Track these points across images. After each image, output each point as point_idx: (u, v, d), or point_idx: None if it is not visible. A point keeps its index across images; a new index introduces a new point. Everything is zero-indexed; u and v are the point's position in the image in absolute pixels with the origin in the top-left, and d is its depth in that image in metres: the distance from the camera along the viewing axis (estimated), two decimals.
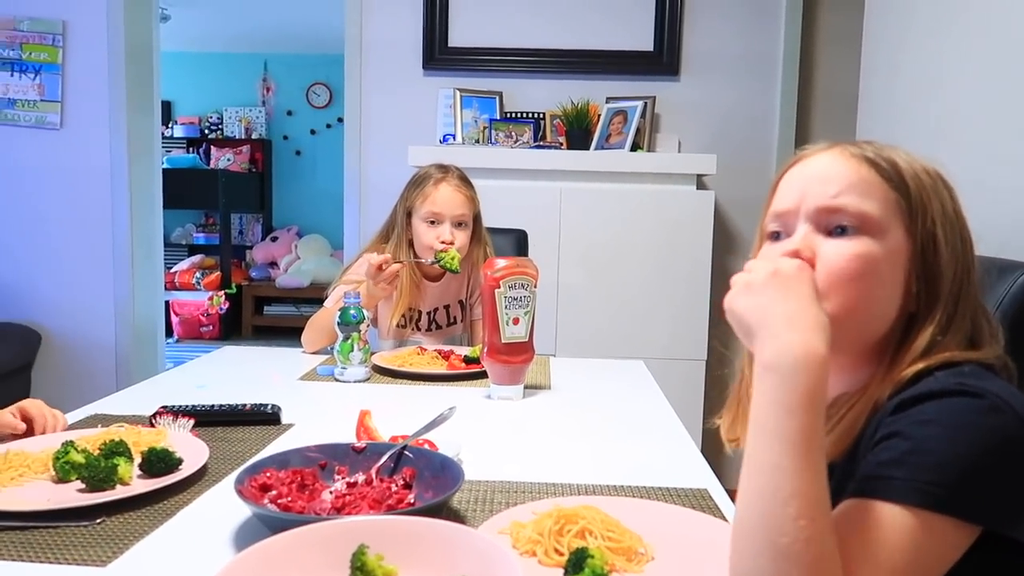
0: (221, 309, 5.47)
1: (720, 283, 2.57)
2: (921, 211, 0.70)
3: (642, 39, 3.05)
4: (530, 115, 3.04)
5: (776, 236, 0.75)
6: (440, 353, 1.68)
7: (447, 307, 1.90)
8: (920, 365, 0.67)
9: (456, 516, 0.86)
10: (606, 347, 2.66)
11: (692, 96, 3.07)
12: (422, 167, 1.87)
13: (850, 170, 0.71)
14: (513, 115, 3.05)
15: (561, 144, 2.94)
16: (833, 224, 0.71)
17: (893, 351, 0.70)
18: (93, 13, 3.05)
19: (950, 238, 0.71)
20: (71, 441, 0.95)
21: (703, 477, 1.02)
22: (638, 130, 2.87)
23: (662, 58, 3.04)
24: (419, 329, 1.88)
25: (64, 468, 0.91)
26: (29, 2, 3.05)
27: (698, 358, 2.68)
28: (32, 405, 1.13)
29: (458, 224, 1.79)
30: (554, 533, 0.75)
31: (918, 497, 0.58)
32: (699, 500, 0.93)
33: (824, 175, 0.72)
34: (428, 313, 1.88)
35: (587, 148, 2.88)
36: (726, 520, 0.85)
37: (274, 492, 0.82)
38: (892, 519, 0.59)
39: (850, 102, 2.53)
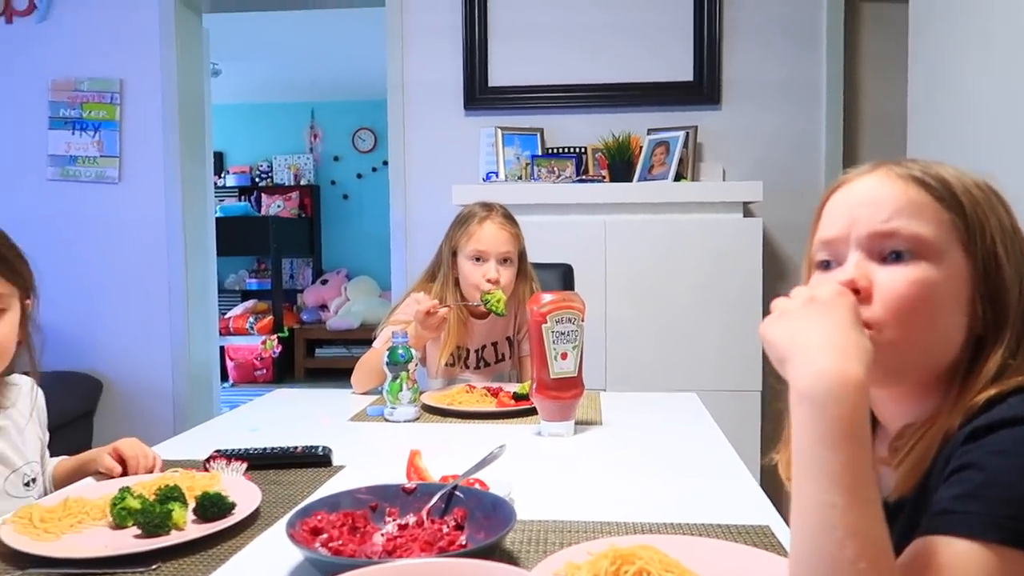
0: (274, 353, 5.55)
1: None
2: (978, 229, 0.67)
3: (681, 69, 3.05)
4: (572, 150, 3.06)
5: (826, 265, 0.73)
6: (489, 391, 1.67)
7: (495, 344, 1.90)
8: (992, 391, 0.63)
9: (509, 557, 0.84)
10: (657, 381, 2.61)
11: (735, 124, 3.04)
12: (466, 205, 1.89)
13: (898, 192, 0.68)
14: (555, 151, 3.06)
15: (604, 177, 2.94)
16: (887, 250, 0.68)
17: (962, 377, 0.67)
18: (148, 71, 3.18)
19: (1012, 253, 0.67)
20: (128, 487, 0.96)
21: (764, 513, 0.98)
22: (681, 160, 2.85)
23: (702, 87, 3.04)
24: (468, 367, 1.88)
25: (121, 514, 0.92)
26: (89, 64, 3.19)
27: (752, 389, 2.61)
28: (127, 445, 1.17)
29: (503, 261, 1.80)
30: (610, 574, 0.73)
31: (996, 532, 0.54)
32: (760, 537, 0.89)
33: (872, 199, 0.69)
34: (476, 351, 1.88)
35: (630, 180, 2.87)
36: (785, 557, 0.81)
37: (325, 535, 0.82)
38: (968, 557, 0.55)
39: (898, 122, 2.48)
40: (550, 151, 3.06)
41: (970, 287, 0.67)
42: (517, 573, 0.68)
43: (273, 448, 1.21)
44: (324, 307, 6.12)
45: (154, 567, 0.82)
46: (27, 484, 1.17)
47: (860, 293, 0.67)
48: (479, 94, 3.11)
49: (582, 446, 1.34)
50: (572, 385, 1.38)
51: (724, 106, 3.05)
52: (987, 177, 0.71)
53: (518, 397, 1.57)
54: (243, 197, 6.43)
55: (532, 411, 1.48)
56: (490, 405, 1.59)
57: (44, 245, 3.18)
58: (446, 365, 1.82)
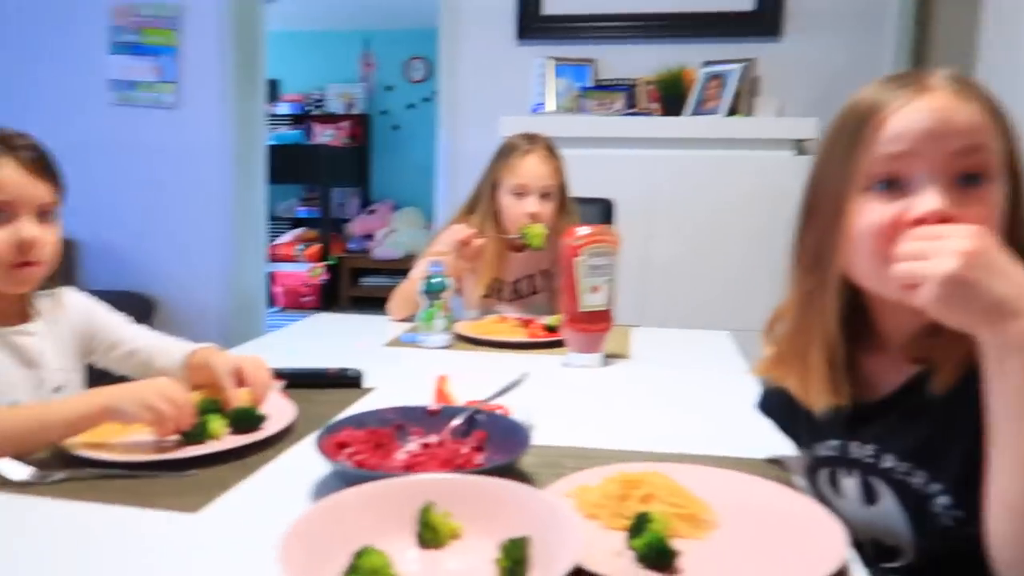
0: (321, 280, 5.68)
1: None
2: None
3: None
4: (623, 83, 2.99)
5: (887, 185, 0.73)
6: (521, 322, 1.70)
7: (531, 277, 1.91)
8: None
9: (525, 479, 0.87)
10: (698, 320, 2.58)
11: (795, 57, 2.93)
12: (508, 137, 1.88)
13: (974, 112, 0.70)
14: (606, 83, 3.00)
15: (655, 111, 2.88)
16: (965, 171, 0.69)
17: None
18: None
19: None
20: None
21: (781, 447, 0.99)
22: (737, 94, 2.77)
23: (763, 17, 2.92)
24: (503, 299, 1.90)
25: None
26: None
27: None
28: (251, 366, 1.09)
29: (544, 195, 1.79)
30: (617, 498, 0.75)
31: None
32: (774, 470, 0.90)
33: (950, 118, 0.71)
34: (512, 283, 1.89)
35: (681, 114, 2.80)
36: (797, 490, 0.82)
37: (351, 449, 0.86)
38: None
39: (968, 59, 2.35)
40: (601, 83, 3.00)
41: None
42: (527, 491, 0.71)
43: (308, 369, 1.26)
44: (370, 236, 6.19)
45: (191, 473, 0.87)
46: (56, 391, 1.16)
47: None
48: (533, 22, 3.05)
49: (607, 378, 1.36)
50: (602, 319, 1.39)
51: (786, 37, 2.94)
52: None
53: (550, 329, 1.59)
54: (297, 125, 6.48)
55: (562, 343, 1.50)
56: (521, 335, 1.61)
57: (104, 168, 3.28)
58: (483, 297, 1.84)
